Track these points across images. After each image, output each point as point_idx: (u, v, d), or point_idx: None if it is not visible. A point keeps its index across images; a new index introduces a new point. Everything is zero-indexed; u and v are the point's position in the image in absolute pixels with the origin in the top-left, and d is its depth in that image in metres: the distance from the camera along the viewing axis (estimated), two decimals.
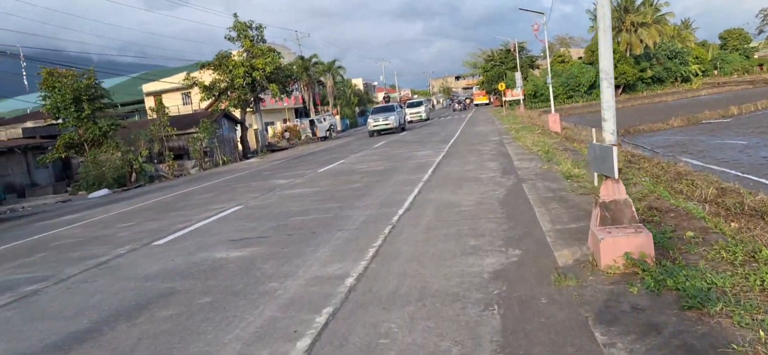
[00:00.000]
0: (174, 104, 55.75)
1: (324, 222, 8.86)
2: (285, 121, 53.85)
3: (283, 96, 38.55)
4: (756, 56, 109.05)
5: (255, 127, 41.78)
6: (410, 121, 47.88)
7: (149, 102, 57.90)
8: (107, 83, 72.22)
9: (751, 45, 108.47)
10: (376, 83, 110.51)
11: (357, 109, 69.05)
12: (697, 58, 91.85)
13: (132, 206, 15.48)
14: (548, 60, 30.73)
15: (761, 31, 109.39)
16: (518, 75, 53.62)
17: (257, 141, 40.71)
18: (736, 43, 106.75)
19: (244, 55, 35.59)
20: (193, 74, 34.60)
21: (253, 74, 34.29)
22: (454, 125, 38.29)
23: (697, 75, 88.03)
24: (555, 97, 75.29)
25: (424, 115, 49.91)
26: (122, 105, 63.69)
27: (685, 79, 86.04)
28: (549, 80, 29.55)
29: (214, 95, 34.97)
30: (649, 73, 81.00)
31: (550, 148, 16.08)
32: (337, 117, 57.56)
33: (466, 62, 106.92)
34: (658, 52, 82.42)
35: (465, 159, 15.98)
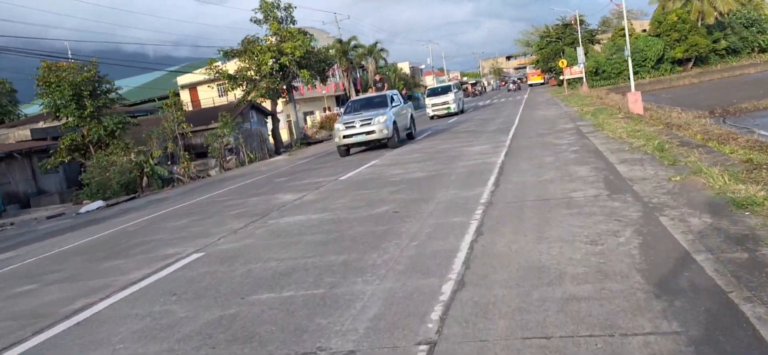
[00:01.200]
0: (209, 96, 52.82)
1: (299, 319, 4.65)
2: (325, 110, 50.06)
3: (316, 83, 34.60)
4: None
5: (291, 118, 38.02)
6: (433, 116, 36.36)
7: (185, 96, 55.12)
8: (143, 79, 70.05)
9: None
10: (423, 66, 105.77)
11: (403, 93, 64.60)
12: None
13: (86, 238, 11.66)
14: (626, 28, 25.53)
15: None
16: (580, 50, 48.12)
17: (292, 133, 36.98)
18: None
19: (273, 39, 31.74)
20: (216, 62, 31.03)
21: (282, 60, 30.38)
22: (510, 109, 33.46)
23: None
24: (618, 73, 69.26)
25: (453, 108, 35.66)
26: (159, 99, 61.41)
27: (763, 50, 78.05)
28: (627, 52, 24.51)
29: (240, 85, 31.29)
30: (723, 44, 73.50)
31: (658, 141, 11.42)
32: None
33: (518, 41, 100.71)
34: (732, 21, 74.87)
35: (538, 160, 11.49)
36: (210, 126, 28.58)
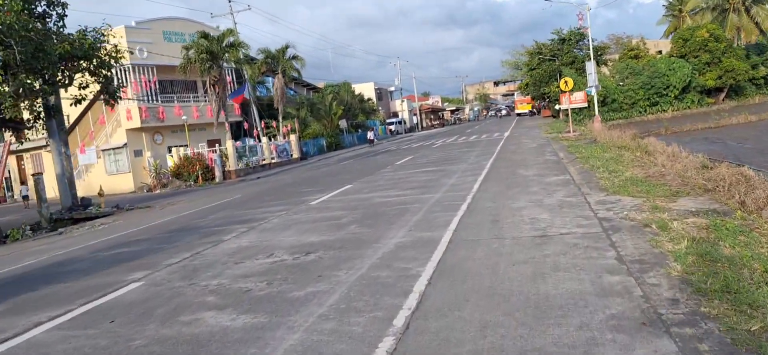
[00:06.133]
0: None
1: None
2: (216, 144, 32.27)
3: (50, 96, 17.28)
4: None
5: (61, 164, 20.15)
6: None
7: None
8: None
9: None
10: (392, 89, 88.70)
11: (344, 124, 47.25)
12: None
13: None
14: None
15: None
16: (591, 65, 31.09)
17: (61, 190, 19.54)
18: None
19: None
20: None
21: None
22: (468, 163, 16.25)
23: None
24: (632, 104, 52.50)
25: None
26: None
27: None
28: None
29: None
30: (763, 71, 56.56)
31: None
32: (293, 138, 35.83)
33: (505, 62, 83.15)
34: None
35: None
36: None
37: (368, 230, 8.93)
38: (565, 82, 27.05)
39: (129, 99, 30.92)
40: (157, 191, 27.41)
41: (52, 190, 39.22)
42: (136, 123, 31.20)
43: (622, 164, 13.68)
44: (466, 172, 15.81)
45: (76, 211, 18.74)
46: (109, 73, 18.12)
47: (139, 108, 30.95)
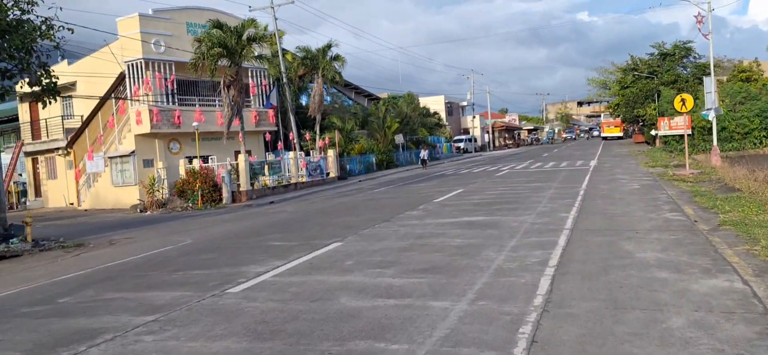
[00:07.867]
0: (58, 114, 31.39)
1: None
2: (243, 154, 27.05)
3: None
4: None
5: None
6: None
7: (24, 112, 34.10)
8: None
9: None
10: (464, 104, 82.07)
11: (400, 139, 41.33)
12: None
13: None
14: None
15: None
16: (710, 81, 23.67)
17: None
18: None
19: None
20: None
21: None
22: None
23: None
24: (746, 135, 43.89)
25: None
26: None
27: None
28: None
29: None
30: None
31: None
32: (331, 154, 30.18)
33: (592, 81, 73.22)
34: None
35: None
36: None
37: None
38: (682, 100, 19.96)
39: (136, 100, 26.30)
40: (150, 212, 22.41)
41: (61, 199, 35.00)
42: (146, 128, 26.45)
43: None
44: (530, 234, 9.46)
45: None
46: (30, 58, 13.09)
47: (150, 110, 26.20)
